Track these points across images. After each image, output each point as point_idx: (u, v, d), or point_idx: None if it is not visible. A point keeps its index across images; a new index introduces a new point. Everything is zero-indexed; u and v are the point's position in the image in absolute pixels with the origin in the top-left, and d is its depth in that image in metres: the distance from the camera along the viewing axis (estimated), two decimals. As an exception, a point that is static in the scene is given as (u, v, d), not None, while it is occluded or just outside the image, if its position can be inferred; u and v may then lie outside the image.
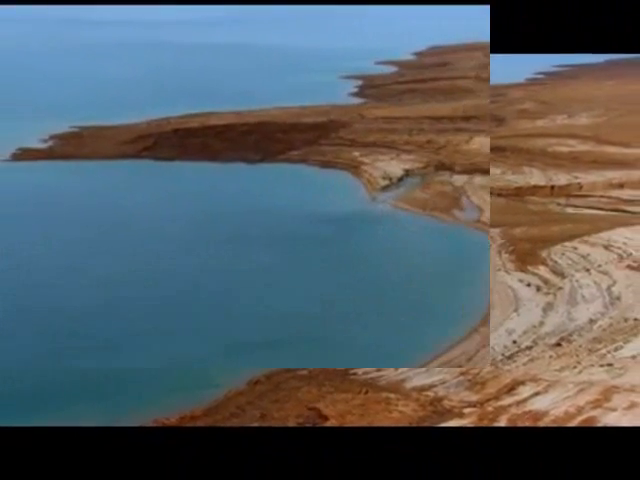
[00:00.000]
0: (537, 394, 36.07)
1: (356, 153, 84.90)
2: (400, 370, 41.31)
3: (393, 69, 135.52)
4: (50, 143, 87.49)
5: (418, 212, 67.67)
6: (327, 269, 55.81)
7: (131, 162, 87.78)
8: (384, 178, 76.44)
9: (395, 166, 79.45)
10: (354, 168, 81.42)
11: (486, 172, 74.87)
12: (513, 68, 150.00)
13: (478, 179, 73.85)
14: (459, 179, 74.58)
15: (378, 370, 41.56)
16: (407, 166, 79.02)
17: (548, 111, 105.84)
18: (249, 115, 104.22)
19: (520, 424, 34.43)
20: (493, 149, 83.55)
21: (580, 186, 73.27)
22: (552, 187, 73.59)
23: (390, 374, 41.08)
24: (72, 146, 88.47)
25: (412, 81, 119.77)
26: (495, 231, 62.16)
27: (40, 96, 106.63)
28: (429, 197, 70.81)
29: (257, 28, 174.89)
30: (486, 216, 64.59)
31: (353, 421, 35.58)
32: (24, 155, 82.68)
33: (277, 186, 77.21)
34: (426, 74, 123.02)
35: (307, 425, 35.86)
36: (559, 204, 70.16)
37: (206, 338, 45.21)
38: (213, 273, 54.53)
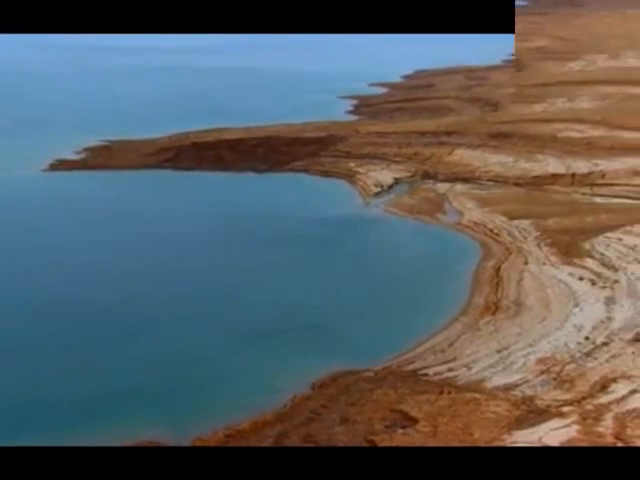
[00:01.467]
0: (635, 392, 33.87)
1: (352, 164, 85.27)
2: (474, 369, 38.85)
3: (384, 90, 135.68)
4: (83, 155, 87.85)
5: (406, 215, 68.06)
6: (328, 265, 56.39)
7: (154, 172, 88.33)
8: (376, 185, 76.92)
9: (386, 175, 79.86)
10: (350, 177, 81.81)
11: (466, 180, 75.40)
12: (482, 50, 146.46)
13: (459, 187, 74.21)
14: (442, 187, 74.88)
15: (450, 370, 39.00)
16: (397, 175, 79.41)
17: (577, 49, 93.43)
18: (258, 130, 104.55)
19: (629, 423, 31.73)
20: (497, 135, 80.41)
21: (603, 174, 66.38)
22: (573, 175, 66.90)
23: (464, 373, 38.36)
24: (103, 157, 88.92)
25: (401, 100, 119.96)
26: (525, 223, 59.12)
27: (72, 114, 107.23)
28: (415, 202, 71.22)
29: (262, 54, 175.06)
30: (466, 219, 64.71)
31: (445, 423, 33.06)
32: (60, 165, 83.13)
33: (283, 193, 77.79)
34: (413, 94, 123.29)
35: (393, 428, 32.82)
36: (584, 194, 64.04)
37: (223, 328, 45.37)
38: (227, 269, 54.98)
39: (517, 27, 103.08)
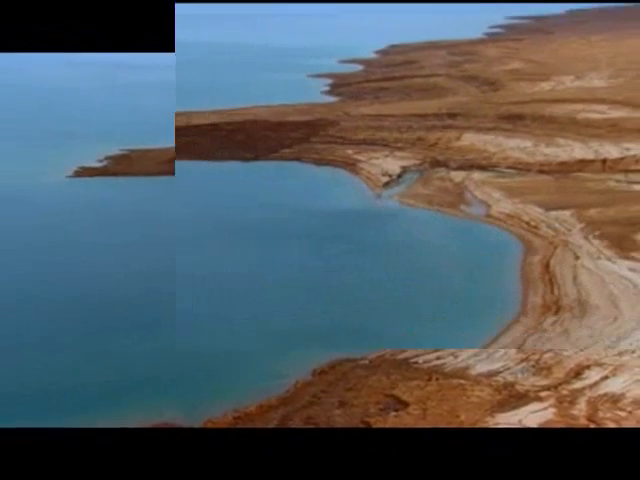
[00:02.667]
0: None
1: (349, 151, 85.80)
2: (460, 357, 41.87)
3: (360, 67, 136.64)
4: (105, 163, 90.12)
5: (426, 207, 68.82)
6: (351, 261, 56.85)
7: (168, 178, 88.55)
8: (384, 175, 77.66)
9: (392, 163, 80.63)
10: (350, 165, 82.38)
11: (483, 168, 76.77)
12: (455, 21, 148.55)
13: (476, 175, 75.35)
14: (457, 175, 75.97)
15: (438, 358, 42.07)
16: (403, 163, 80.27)
17: (547, 72, 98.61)
18: (231, 113, 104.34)
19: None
20: (508, 117, 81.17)
21: (637, 159, 66.67)
22: (604, 161, 67.22)
23: (451, 362, 41.62)
24: (122, 165, 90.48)
25: (383, 79, 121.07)
26: (566, 214, 60.11)
27: (96, 125, 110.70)
28: (432, 193, 72.11)
29: (217, 26, 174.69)
30: (495, 210, 65.87)
31: (434, 406, 36.87)
32: (84, 172, 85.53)
33: (281, 184, 77.87)
34: (396, 72, 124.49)
35: (387, 412, 36.83)
36: (618, 181, 64.42)
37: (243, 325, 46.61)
38: (240, 264, 55.51)
39: (494, 51, 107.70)
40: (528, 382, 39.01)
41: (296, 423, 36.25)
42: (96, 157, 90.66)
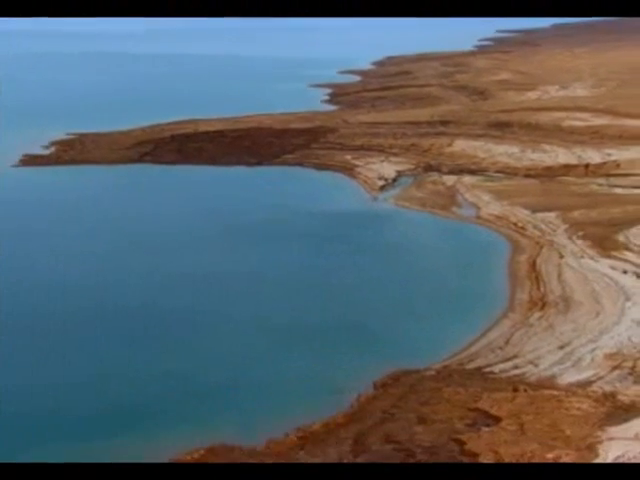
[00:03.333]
0: None
1: (348, 156, 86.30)
2: (541, 366, 39.78)
3: (357, 78, 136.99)
4: (52, 149, 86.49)
5: (419, 209, 69.19)
6: (351, 262, 57.14)
7: (135, 166, 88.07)
8: (380, 179, 78.02)
9: (387, 168, 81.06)
10: (348, 170, 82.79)
11: (472, 172, 77.13)
12: (447, 35, 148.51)
13: (467, 179, 75.75)
14: (448, 179, 76.36)
15: (515, 367, 39.80)
16: (398, 168, 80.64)
17: (534, 82, 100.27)
18: (237, 121, 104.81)
19: None
20: (497, 124, 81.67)
21: (617, 164, 67.34)
22: (587, 166, 67.88)
23: (532, 370, 39.30)
24: (75, 152, 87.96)
25: (380, 89, 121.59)
26: (551, 215, 60.36)
27: (25, 105, 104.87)
28: (425, 196, 72.52)
29: (216, 39, 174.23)
30: (485, 212, 66.14)
31: (531, 420, 33.90)
32: (32, 161, 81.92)
33: (284, 188, 78.59)
34: (392, 82, 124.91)
35: (477, 427, 33.49)
36: (600, 184, 65.02)
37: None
38: (242, 273, 54.63)
39: (484, 62, 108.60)
40: (631, 391, 36.27)
41: (373, 442, 32.91)
42: (39, 143, 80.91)
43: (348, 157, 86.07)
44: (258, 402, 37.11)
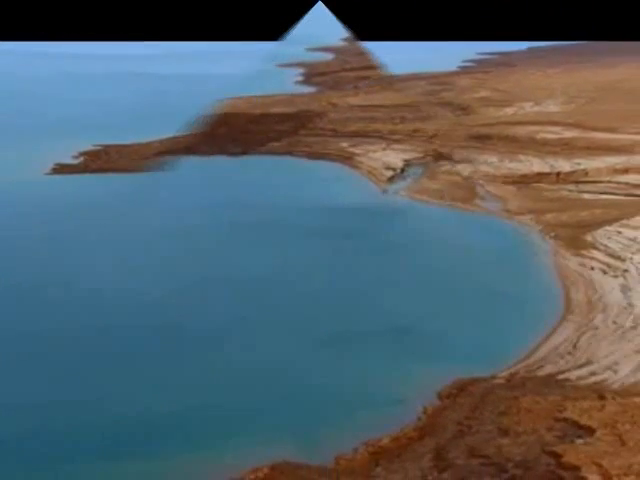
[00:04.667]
0: None
1: (343, 144, 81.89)
2: (622, 372, 38.57)
3: (330, 56, 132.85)
4: (81, 159, 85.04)
5: (438, 203, 66.43)
6: (379, 261, 53.79)
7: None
8: (387, 169, 74.63)
9: (392, 156, 77.64)
10: (347, 159, 78.80)
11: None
12: (433, 56, 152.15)
13: (484, 168, 73.69)
14: (463, 169, 74.11)
15: (592, 374, 38.54)
16: (405, 156, 77.51)
17: (512, 99, 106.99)
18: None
19: None
20: (478, 137, 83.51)
21: (586, 172, 72.89)
22: (558, 174, 73.06)
23: (612, 377, 38.15)
24: (102, 161, 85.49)
25: (360, 68, 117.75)
26: (526, 218, 61.98)
27: (55, 119, 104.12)
28: (442, 187, 69.73)
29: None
30: (513, 204, 64.09)
31: (629, 430, 32.56)
32: (63, 169, 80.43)
33: (281, 178, 73.62)
34: (372, 61, 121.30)
35: (569, 439, 32.06)
36: (570, 190, 70.05)
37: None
38: (261, 277, 51.16)
39: (465, 82, 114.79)
40: None
41: (456, 456, 31.44)
42: (69, 153, 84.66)
43: (344, 145, 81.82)
44: (310, 415, 35.15)
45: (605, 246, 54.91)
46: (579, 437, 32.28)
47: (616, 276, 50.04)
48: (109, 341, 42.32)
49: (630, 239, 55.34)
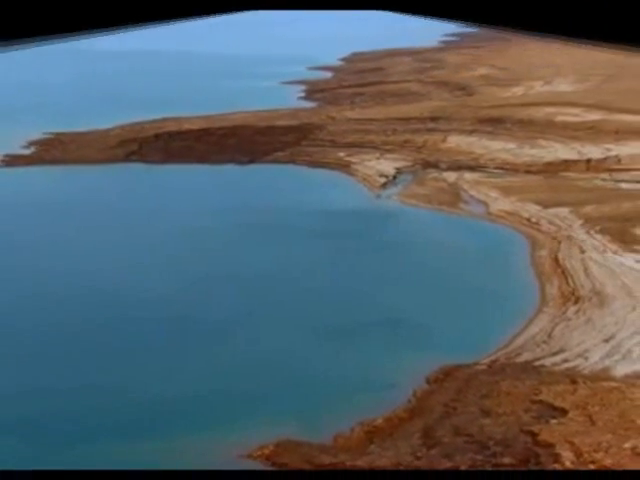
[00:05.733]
0: None
1: (341, 153, 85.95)
2: (591, 359, 40.30)
3: (329, 74, 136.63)
4: (33, 149, 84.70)
5: (426, 206, 69.38)
6: (372, 260, 57.09)
7: (124, 165, 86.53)
8: (381, 176, 77.97)
9: (385, 165, 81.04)
10: (345, 167, 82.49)
11: (472, 169, 77.64)
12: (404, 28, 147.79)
13: (467, 175, 76.22)
14: (449, 176, 76.73)
15: (565, 361, 40.44)
16: (396, 164, 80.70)
17: (516, 77, 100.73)
18: (220, 119, 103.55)
19: None
20: (488, 120, 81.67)
21: (618, 159, 67.83)
22: (588, 161, 68.03)
23: (583, 364, 39.94)
24: (58, 151, 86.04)
25: (356, 85, 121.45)
26: (564, 211, 60.22)
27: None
28: (430, 193, 72.72)
29: (184, 36, 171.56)
30: (495, 208, 66.55)
31: (598, 412, 34.65)
32: (14, 160, 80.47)
33: (283, 185, 77.92)
34: (367, 79, 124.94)
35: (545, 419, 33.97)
36: (604, 180, 65.11)
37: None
38: (263, 273, 54.29)
39: (455, 58, 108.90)
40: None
41: (443, 435, 33.78)
42: (17, 143, 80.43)
43: (341, 154, 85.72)
44: (312, 399, 37.82)
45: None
46: (553, 417, 34.83)
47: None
48: (123, 333, 45.20)
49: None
